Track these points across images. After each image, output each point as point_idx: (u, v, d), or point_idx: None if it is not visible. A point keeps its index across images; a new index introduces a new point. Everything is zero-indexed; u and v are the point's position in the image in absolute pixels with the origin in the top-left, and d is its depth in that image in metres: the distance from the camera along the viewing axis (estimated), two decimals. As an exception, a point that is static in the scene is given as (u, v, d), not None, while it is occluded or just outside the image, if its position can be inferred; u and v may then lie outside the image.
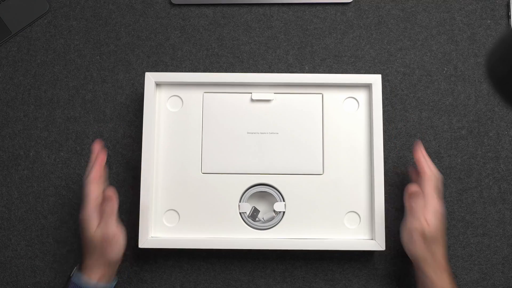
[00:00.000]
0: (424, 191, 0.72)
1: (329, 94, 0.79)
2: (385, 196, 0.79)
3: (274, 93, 0.79)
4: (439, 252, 0.71)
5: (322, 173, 0.78)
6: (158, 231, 0.77)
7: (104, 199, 0.72)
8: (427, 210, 0.71)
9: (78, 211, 0.81)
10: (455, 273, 0.79)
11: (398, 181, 0.81)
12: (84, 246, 0.72)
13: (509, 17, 0.84)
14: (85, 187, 0.72)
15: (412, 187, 0.72)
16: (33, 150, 0.82)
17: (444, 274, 0.70)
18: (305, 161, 0.78)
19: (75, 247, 0.80)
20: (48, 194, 0.81)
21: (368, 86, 0.79)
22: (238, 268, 0.80)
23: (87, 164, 0.82)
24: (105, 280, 0.71)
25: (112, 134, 0.82)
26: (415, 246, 0.70)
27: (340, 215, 0.77)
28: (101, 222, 0.71)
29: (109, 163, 0.82)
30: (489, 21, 0.84)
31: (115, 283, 0.74)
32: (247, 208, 0.77)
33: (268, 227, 0.77)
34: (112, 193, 0.71)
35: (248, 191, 0.77)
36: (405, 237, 0.72)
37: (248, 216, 0.77)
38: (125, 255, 0.80)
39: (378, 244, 0.75)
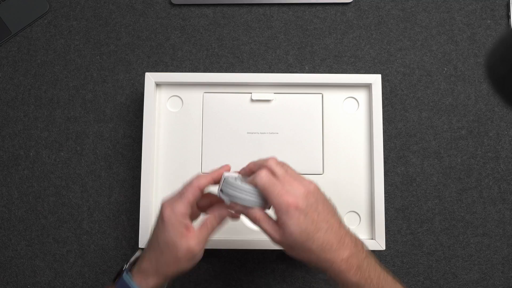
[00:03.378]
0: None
1: (329, 94, 0.79)
2: (385, 196, 0.79)
3: (274, 93, 0.79)
4: (318, 246, 0.57)
5: (322, 173, 0.78)
6: (158, 231, 0.77)
7: (212, 207, 0.62)
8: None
9: (78, 211, 0.81)
10: (455, 273, 0.79)
11: (398, 181, 0.81)
12: (152, 244, 0.61)
13: (509, 17, 0.84)
14: (192, 179, 0.62)
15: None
16: (33, 150, 0.82)
17: (345, 268, 0.57)
18: (305, 161, 0.78)
19: (75, 247, 0.80)
20: (48, 194, 0.81)
21: (368, 86, 0.79)
22: (238, 268, 0.80)
23: (87, 164, 0.82)
24: None
25: (112, 134, 0.82)
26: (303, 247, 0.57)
27: (340, 215, 0.77)
28: (195, 233, 0.60)
29: (109, 163, 0.82)
30: (489, 21, 0.84)
31: None
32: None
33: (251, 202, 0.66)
34: (225, 214, 0.61)
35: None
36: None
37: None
38: (125, 254, 0.80)
39: (378, 244, 0.75)
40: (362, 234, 0.77)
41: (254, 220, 0.60)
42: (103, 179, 0.81)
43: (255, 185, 0.59)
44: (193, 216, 0.63)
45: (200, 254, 0.61)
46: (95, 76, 0.84)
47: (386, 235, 0.79)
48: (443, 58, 0.83)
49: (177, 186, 0.77)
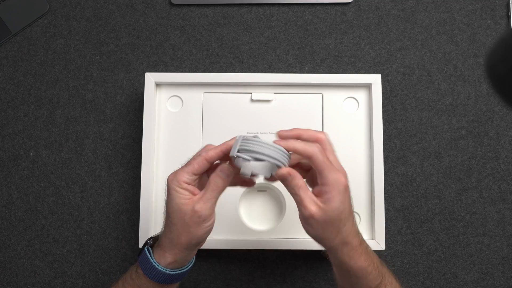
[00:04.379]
0: (316, 165, 0.57)
1: (329, 94, 0.79)
2: (385, 196, 0.79)
3: (274, 93, 0.79)
4: (347, 229, 0.59)
5: (322, 173, 0.78)
6: (158, 231, 0.77)
7: (214, 171, 0.59)
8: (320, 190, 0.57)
9: (78, 211, 0.81)
10: (455, 273, 0.79)
11: (398, 181, 0.81)
12: (167, 217, 0.61)
13: (509, 17, 0.84)
14: (201, 150, 0.61)
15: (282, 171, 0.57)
16: (33, 150, 0.82)
17: (358, 253, 0.59)
18: (305, 161, 0.78)
19: (75, 247, 0.80)
20: (48, 194, 0.81)
21: (368, 86, 0.79)
22: (238, 268, 0.80)
23: (87, 164, 0.82)
24: (175, 266, 0.60)
25: (112, 134, 0.82)
26: (325, 233, 0.58)
27: None
28: (199, 195, 0.59)
29: (109, 163, 0.82)
30: (489, 21, 0.84)
31: (188, 267, 0.62)
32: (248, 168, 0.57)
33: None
34: (229, 170, 0.58)
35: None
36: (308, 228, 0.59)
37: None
38: (125, 254, 0.80)
39: (378, 244, 0.75)
40: (362, 234, 0.77)
41: (292, 186, 0.57)
42: (103, 179, 0.81)
43: (307, 155, 0.57)
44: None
45: (209, 218, 0.59)
46: (95, 76, 0.84)
47: (386, 235, 0.79)
48: (443, 58, 0.83)
49: (177, 186, 0.77)
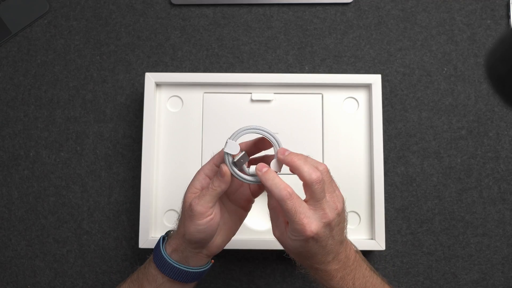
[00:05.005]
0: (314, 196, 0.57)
1: (329, 94, 0.79)
2: (385, 196, 0.79)
3: (274, 93, 0.79)
4: (318, 259, 0.59)
5: (322, 173, 0.78)
6: (158, 231, 0.78)
7: (218, 172, 0.59)
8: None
9: (78, 211, 0.81)
10: (455, 273, 0.79)
11: (398, 181, 0.81)
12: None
13: (509, 17, 0.84)
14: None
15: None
16: (33, 150, 0.82)
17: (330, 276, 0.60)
18: (305, 161, 0.78)
19: (75, 247, 0.80)
20: (48, 194, 0.81)
21: (367, 86, 0.79)
22: (238, 268, 0.80)
23: (87, 164, 0.82)
24: (178, 257, 0.61)
25: (112, 134, 0.82)
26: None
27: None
28: (199, 192, 0.60)
29: (109, 163, 0.82)
30: (489, 21, 0.84)
31: (193, 270, 0.61)
32: (235, 149, 0.59)
33: (251, 181, 0.60)
34: (228, 173, 0.58)
35: (244, 131, 0.59)
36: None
37: (232, 162, 0.59)
38: (125, 254, 0.80)
39: (378, 244, 0.75)
40: (362, 234, 0.77)
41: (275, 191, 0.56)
42: (103, 179, 0.81)
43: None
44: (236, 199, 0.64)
45: (200, 216, 0.58)
46: (95, 76, 0.84)
47: (386, 235, 0.79)
48: (443, 58, 0.83)
49: (177, 186, 0.77)
